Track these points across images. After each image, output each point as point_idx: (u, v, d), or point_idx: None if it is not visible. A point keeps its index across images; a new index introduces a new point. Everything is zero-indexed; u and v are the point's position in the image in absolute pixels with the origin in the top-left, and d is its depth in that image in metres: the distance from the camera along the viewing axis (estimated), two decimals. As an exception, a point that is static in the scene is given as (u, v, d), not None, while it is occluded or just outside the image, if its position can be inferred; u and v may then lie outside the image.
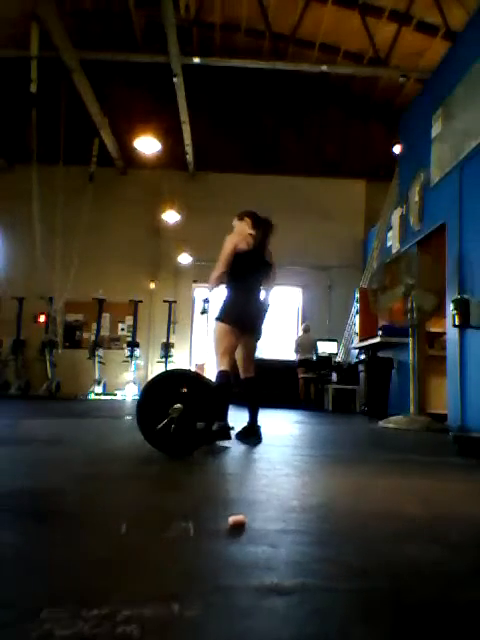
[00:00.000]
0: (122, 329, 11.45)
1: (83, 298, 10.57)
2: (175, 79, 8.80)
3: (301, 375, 9.56)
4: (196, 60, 9.05)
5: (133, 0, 9.65)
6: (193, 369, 10.54)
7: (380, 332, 7.69)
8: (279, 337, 10.98)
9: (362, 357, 8.72)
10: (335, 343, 10.39)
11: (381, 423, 5.91)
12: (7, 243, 11.34)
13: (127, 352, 10.63)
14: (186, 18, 9.06)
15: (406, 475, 2.58)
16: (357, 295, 9.68)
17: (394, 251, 8.16)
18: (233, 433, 3.68)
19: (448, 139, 6.27)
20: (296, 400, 9.43)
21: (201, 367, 10.80)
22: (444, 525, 1.59)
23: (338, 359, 10.18)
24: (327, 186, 11.58)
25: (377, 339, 7.77)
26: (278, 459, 2.92)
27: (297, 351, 9.81)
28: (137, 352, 10.68)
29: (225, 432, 3.37)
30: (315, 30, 9.94)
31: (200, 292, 11.90)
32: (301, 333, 10.26)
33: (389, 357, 8.00)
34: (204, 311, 3.68)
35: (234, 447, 3.28)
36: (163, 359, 10.80)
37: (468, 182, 5.80)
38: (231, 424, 3.65)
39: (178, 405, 2.65)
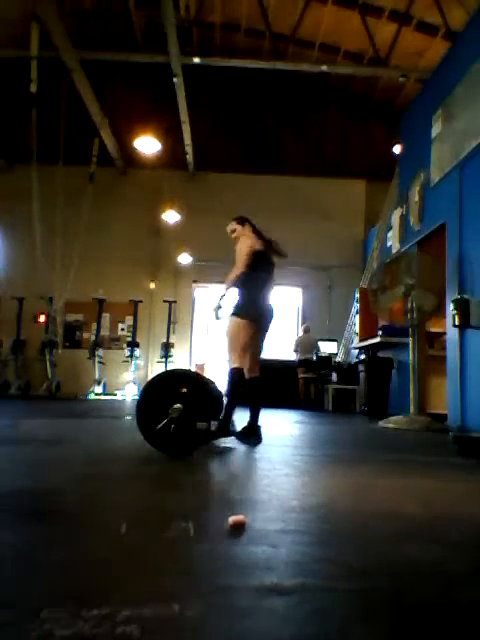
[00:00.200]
0: (122, 329, 11.45)
1: (83, 298, 10.57)
2: (175, 79, 8.79)
3: (301, 375, 9.56)
4: (196, 60, 9.05)
5: (133, 0, 9.65)
6: (193, 369, 10.54)
7: (380, 332, 7.70)
8: (279, 337, 10.97)
9: (362, 357, 8.72)
10: (335, 343, 10.39)
11: (381, 423, 5.91)
12: (7, 243, 11.34)
13: (127, 352, 10.63)
14: (186, 18, 9.06)
15: (406, 475, 2.58)
16: (357, 295, 9.68)
17: (394, 251, 8.16)
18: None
19: (448, 139, 6.27)
20: (296, 400, 9.43)
21: (201, 367, 10.80)
22: (444, 525, 1.59)
23: (338, 359, 10.18)
24: (327, 186, 11.58)
25: (377, 339, 7.77)
26: (278, 459, 2.92)
27: (296, 351, 9.80)
28: (137, 352, 10.68)
29: (226, 430, 3.38)
30: (315, 30, 9.94)
31: (200, 292, 11.92)
32: (301, 333, 10.26)
33: (389, 357, 8.00)
34: (218, 316, 3.69)
35: (234, 447, 3.28)
36: (163, 359, 10.80)
37: (468, 182, 5.80)
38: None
39: (178, 405, 2.65)
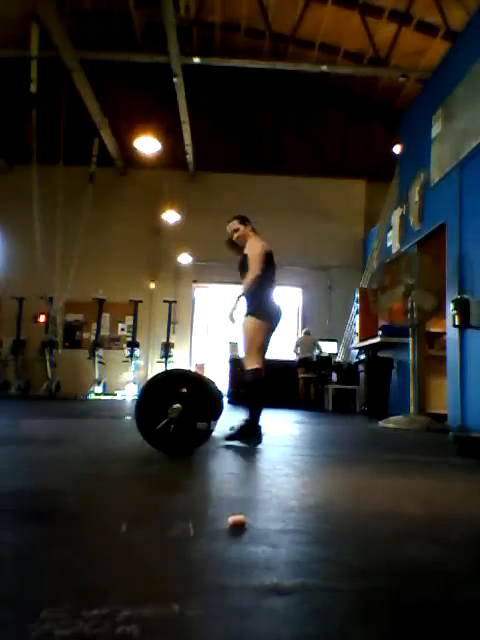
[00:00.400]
0: (122, 329, 11.45)
1: (83, 298, 10.57)
2: (175, 79, 8.79)
3: (301, 375, 9.56)
4: (196, 60, 9.05)
5: (133, 0, 9.65)
6: (193, 369, 10.54)
7: (380, 332, 7.69)
8: (279, 337, 10.97)
9: (362, 357, 8.72)
10: (335, 343, 10.39)
11: (381, 423, 5.91)
12: (7, 243, 11.33)
13: (127, 352, 10.63)
14: (186, 18, 9.06)
15: (406, 475, 2.58)
16: (357, 295, 9.68)
17: (394, 251, 8.16)
18: (232, 433, 3.68)
19: (448, 139, 6.27)
20: (296, 400, 9.43)
21: (201, 367, 10.80)
22: (444, 525, 1.60)
23: (338, 359, 10.18)
24: (327, 186, 11.57)
25: (377, 339, 7.77)
26: (278, 459, 2.92)
27: (296, 351, 9.80)
28: (137, 352, 10.67)
29: (256, 431, 3.38)
30: (315, 30, 9.94)
31: (200, 292, 11.91)
32: (301, 335, 10.27)
33: (389, 357, 8.00)
34: (233, 320, 3.70)
35: (234, 447, 3.28)
36: (163, 359, 10.79)
37: (468, 182, 5.80)
38: (233, 424, 3.64)
39: (177, 405, 2.65)
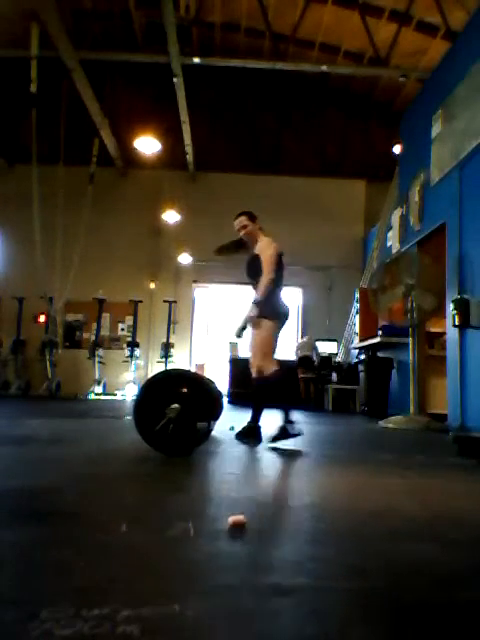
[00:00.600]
0: (122, 329, 11.45)
1: (83, 298, 10.57)
2: (175, 79, 8.79)
3: (301, 375, 9.56)
4: (196, 60, 9.05)
5: (133, 0, 9.65)
6: (193, 369, 10.54)
7: (380, 332, 7.69)
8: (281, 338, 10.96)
9: (362, 357, 8.72)
10: (335, 343, 10.39)
11: (381, 423, 5.91)
12: (7, 243, 11.34)
13: (127, 352, 10.63)
14: (186, 18, 9.06)
15: (406, 475, 2.58)
16: (357, 295, 9.68)
17: (394, 251, 8.16)
18: (233, 433, 3.68)
19: (448, 139, 6.27)
20: (296, 400, 9.43)
21: (201, 367, 10.80)
22: (444, 525, 1.60)
23: (338, 359, 10.17)
24: (327, 186, 11.57)
25: (377, 339, 7.77)
26: (278, 459, 2.92)
27: (296, 354, 9.82)
28: (137, 352, 10.67)
29: (287, 432, 3.40)
30: (315, 30, 9.94)
31: (200, 292, 11.91)
32: (301, 340, 10.30)
33: (389, 357, 8.00)
34: (241, 337, 3.72)
35: (234, 447, 3.28)
36: (163, 359, 10.79)
37: (468, 182, 5.80)
38: (233, 424, 3.65)
39: (175, 405, 2.65)
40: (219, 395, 4.09)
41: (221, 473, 2.52)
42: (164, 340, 10.94)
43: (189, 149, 10.81)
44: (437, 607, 0.98)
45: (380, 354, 8.23)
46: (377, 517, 1.65)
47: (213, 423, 2.91)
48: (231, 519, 1.41)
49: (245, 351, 9.61)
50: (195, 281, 11.62)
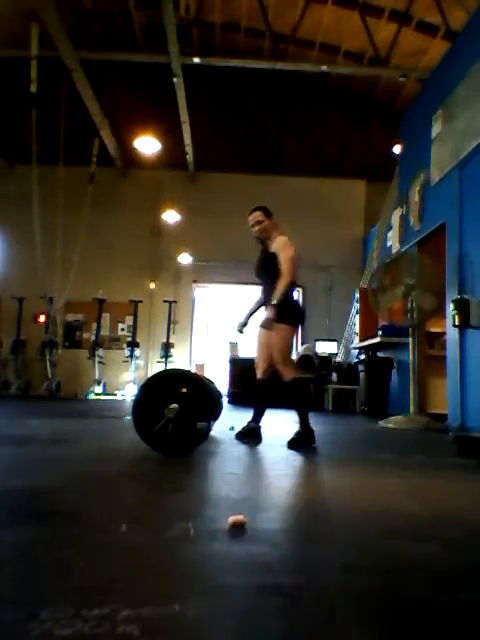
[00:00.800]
0: (122, 329, 11.45)
1: (83, 298, 10.57)
2: (175, 79, 8.79)
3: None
4: (196, 60, 9.04)
5: (133, 0, 9.65)
6: (193, 369, 10.54)
7: (380, 332, 7.69)
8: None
9: (362, 357, 8.72)
10: (335, 343, 10.39)
11: (381, 423, 5.91)
12: (7, 243, 11.33)
13: (127, 352, 10.62)
14: (186, 18, 9.06)
15: (405, 475, 2.58)
16: (357, 295, 9.68)
17: (394, 251, 8.16)
18: (233, 433, 3.68)
19: (448, 139, 6.27)
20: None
21: (201, 367, 10.80)
22: (443, 525, 1.60)
23: (338, 359, 10.17)
24: (327, 186, 11.57)
25: (377, 339, 7.77)
26: (278, 459, 2.92)
27: (297, 354, 9.83)
28: (137, 352, 10.67)
29: (310, 437, 3.42)
30: (315, 30, 9.93)
31: (200, 292, 11.90)
32: (301, 346, 10.31)
33: (389, 357, 8.00)
34: (242, 332, 3.71)
35: (234, 447, 3.28)
36: (163, 359, 10.79)
37: (468, 182, 5.80)
38: (233, 424, 3.65)
39: (174, 405, 2.64)
40: (218, 395, 4.09)
41: (221, 473, 2.52)
42: (164, 340, 10.93)
43: (189, 149, 10.81)
44: (437, 607, 0.98)
45: (380, 354, 8.23)
46: (377, 517, 1.65)
47: (212, 423, 2.91)
48: (231, 519, 1.41)
49: (245, 351, 9.63)
50: (195, 281, 11.62)
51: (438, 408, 6.53)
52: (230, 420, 3.58)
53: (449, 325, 5.80)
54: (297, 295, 3.76)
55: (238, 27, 10.45)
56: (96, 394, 10.14)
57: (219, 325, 11.76)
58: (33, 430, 3.99)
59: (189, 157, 11.09)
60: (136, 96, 11.47)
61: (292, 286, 3.45)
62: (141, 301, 10.95)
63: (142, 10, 9.81)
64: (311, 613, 0.91)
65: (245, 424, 3.61)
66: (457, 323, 5.42)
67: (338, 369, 9.53)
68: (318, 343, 9.93)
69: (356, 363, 9.15)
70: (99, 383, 10.28)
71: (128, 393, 10.27)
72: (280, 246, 3.49)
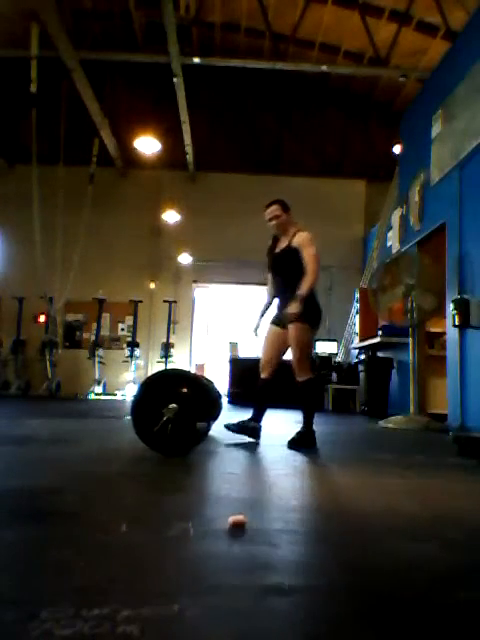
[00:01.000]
0: (122, 329, 11.45)
1: (83, 298, 10.57)
2: (175, 79, 8.79)
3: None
4: (196, 60, 9.04)
5: (133, 0, 9.65)
6: (193, 369, 10.54)
7: (380, 332, 7.69)
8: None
9: (362, 357, 8.72)
10: (335, 343, 10.39)
11: (381, 423, 5.91)
12: (7, 243, 11.33)
13: (127, 352, 10.62)
14: (186, 18, 9.05)
15: (405, 475, 2.58)
16: (357, 295, 9.68)
17: (394, 251, 8.16)
18: (232, 433, 3.68)
19: (448, 139, 6.27)
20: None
21: (201, 367, 10.80)
22: (443, 525, 1.60)
23: (338, 359, 10.17)
24: (327, 186, 11.56)
25: (377, 339, 7.77)
26: (278, 459, 2.92)
27: None
28: (137, 352, 10.67)
29: (312, 439, 3.41)
30: (315, 30, 9.93)
31: (200, 292, 11.90)
32: None
33: (389, 357, 7.99)
34: (257, 335, 3.70)
35: (234, 447, 3.28)
36: (163, 359, 10.79)
37: (468, 182, 5.80)
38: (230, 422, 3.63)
39: (173, 405, 2.64)
40: (217, 395, 4.09)
41: (221, 473, 2.52)
42: (164, 340, 10.93)
43: (189, 149, 10.81)
44: (437, 606, 0.98)
45: (380, 354, 8.23)
46: (377, 517, 1.65)
47: (211, 423, 2.91)
48: (231, 519, 1.41)
49: (245, 351, 9.62)
50: (195, 281, 11.62)
51: (438, 408, 6.53)
52: (230, 420, 3.58)
53: (449, 325, 5.80)
54: (315, 297, 3.69)
55: (238, 27, 10.45)
56: (96, 394, 10.14)
57: (219, 325, 11.76)
58: (33, 430, 3.99)
59: (189, 157, 11.08)
60: (136, 96, 11.47)
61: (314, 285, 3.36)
62: (141, 301, 10.95)
63: (142, 10, 9.81)
64: (311, 613, 0.91)
65: (242, 419, 3.59)
66: (457, 323, 5.42)
67: (338, 369, 9.53)
68: (318, 343, 9.93)
69: (356, 363, 9.15)
70: (99, 383, 10.28)
71: (128, 393, 10.27)
72: (304, 242, 3.41)
